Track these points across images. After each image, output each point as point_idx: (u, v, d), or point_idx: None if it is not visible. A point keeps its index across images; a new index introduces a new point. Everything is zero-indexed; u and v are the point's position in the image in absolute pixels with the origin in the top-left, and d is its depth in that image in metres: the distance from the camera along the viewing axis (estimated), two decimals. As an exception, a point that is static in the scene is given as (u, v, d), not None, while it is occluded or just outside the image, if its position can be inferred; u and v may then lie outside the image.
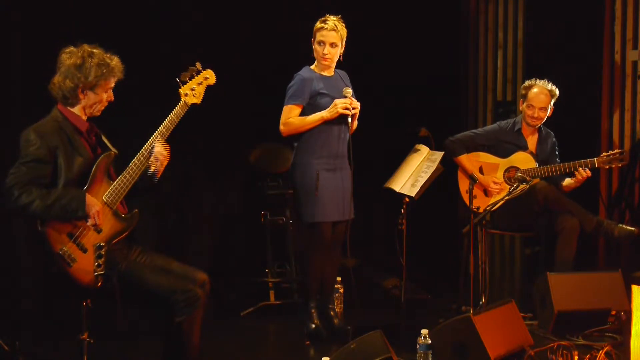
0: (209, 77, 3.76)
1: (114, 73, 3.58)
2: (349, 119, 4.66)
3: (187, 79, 3.72)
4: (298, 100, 4.69)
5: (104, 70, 3.54)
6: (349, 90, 4.70)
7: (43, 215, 3.40)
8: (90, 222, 3.47)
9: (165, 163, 3.68)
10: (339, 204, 4.75)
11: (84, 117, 3.63)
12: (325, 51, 4.69)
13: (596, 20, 6.30)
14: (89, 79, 3.52)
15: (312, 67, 4.79)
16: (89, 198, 3.46)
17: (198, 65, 3.76)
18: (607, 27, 6.29)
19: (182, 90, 3.70)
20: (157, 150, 3.62)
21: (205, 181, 6.45)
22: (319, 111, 4.69)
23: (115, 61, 3.59)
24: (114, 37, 3.77)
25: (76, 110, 3.61)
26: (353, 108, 4.67)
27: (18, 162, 3.46)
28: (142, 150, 3.62)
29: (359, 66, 6.55)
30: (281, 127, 4.74)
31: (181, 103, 3.69)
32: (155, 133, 3.65)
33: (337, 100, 4.65)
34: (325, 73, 4.77)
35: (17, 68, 5.40)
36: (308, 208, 4.70)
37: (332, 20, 4.69)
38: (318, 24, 4.69)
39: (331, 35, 4.67)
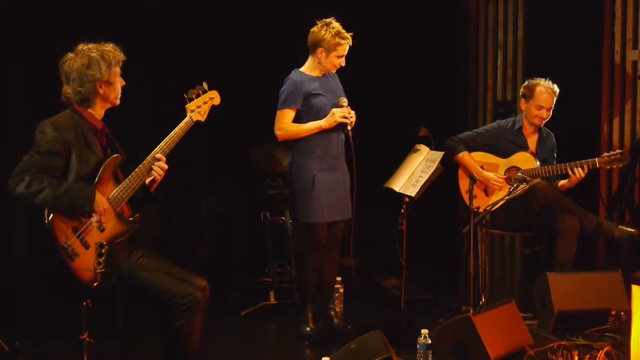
0: (214, 97, 3.88)
1: (117, 57, 3.65)
2: (348, 127, 4.68)
3: (193, 96, 3.82)
4: (292, 104, 4.69)
5: (110, 58, 3.61)
6: (344, 100, 4.74)
7: (50, 205, 3.40)
8: (94, 218, 3.49)
9: (159, 180, 3.73)
10: (336, 204, 4.76)
11: (99, 117, 3.68)
12: (343, 64, 4.75)
13: (596, 20, 6.30)
14: (102, 71, 3.58)
15: (303, 69, 4.79)
16: (98, 195, 3.50)
17: (205, 85, 3.86)
18: (607, 27, 6.29)
19: (189, 106, 3.80)
20: (159, 164, 3.68)
21: (206, 181, 6.46)
22: (313, 111, 4.70)
23: (110, 46, 3.66)
24: (114, 38, 3.78)
25: (92, 110, 3.65)
26: (350, 116, 4.68)
27: (32, 151, 3.48)
28: (148, 157, 3.67)
29: (359, 66, 6.57)
30: (277, 132, 4.73)
31: (187, 119, 3.77)
32: (161, 143, 3.70)
33: (334, 110, 4.67)
34: (316, 74, 4.77)
35: (17, 68, 5.41)
36: (304, 208, 4.70)
37: (348, 34, 4.69)
38: (338, 39, 4.64)
39: (348, 48, 4.72)
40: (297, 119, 4.72)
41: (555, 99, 5.39)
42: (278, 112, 4.73)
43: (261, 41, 6.27)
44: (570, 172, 5.15)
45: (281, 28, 6.26)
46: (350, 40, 4.71)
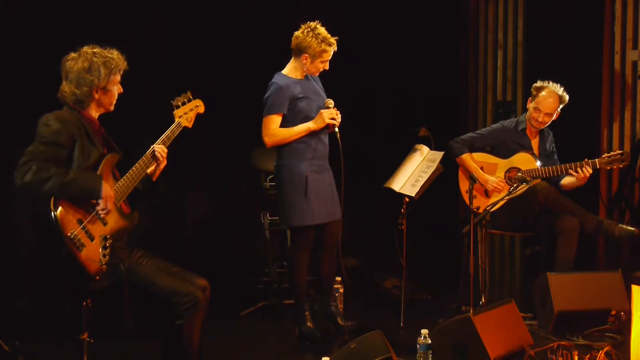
0: (199, 105, 3.99)
1: (119, 66, 3.67)
2: (336, 129, 4.66)
3: (180, 103, 3.92)
4: (279, 109, 4.66)
5: (112, 66, 3.63)
6: (331, 101, 4.73)
7: (58, 193, 3.40)
8: (101, 205, 3.50)
9: (162, 166, 3.79)
10: (328, 205, 4.75)
11: (95, 117, 3.69)
12: (326, 68, 4.73)
13: (596, 20, 6.30)
14: (101, 78, 3.59)
15: (285, 72, 4.76)
16: (104, 183, 3.52)
17: (189, 93, 3.96)
18: (607, 27, 6.29)
19: (177, 112, 3.89)
20: (158, 148, 3.73)
21: (206, 181, 6.46)
22: (299, 115, 4.68)
23: (116, 54, 3.68)
24: (111, 39, 3.78)
25: (86, 112, 3.65)
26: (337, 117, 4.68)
27: (36, 141, 3.48)
28: (143, 157, 3.70)
29: (359, 66, 6.58)
30: (265, 138, 4.69)
31: (176, 123, 3.86)
32: (154, 145, 3.74)
33: (323, 111, 4.66)
34: (299, 77, 4.76)
35: (17, 70, 5.42)
36: (296, 211, 4.69)
37: (333, 39, 4.68)
38: (324, 46, 4.62)
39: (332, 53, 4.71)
40: (283, 123, 4.69)
41: (560, 105, 5.34)
42: (265, 118, 4.69)
43: (262, 40, 6.26)
44: (575, 172, 5.14)
45: (281, 29, 6.26)
46: (336, 45, 4.68)
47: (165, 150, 3.77)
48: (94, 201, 3.51)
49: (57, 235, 3.40)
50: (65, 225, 3.42)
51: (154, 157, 3.72)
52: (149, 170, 3.76)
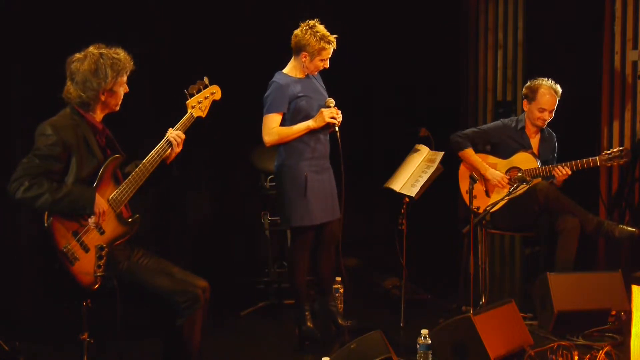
0: (215, 92, 3.86)
1: (126, 67, 3.62)
2: (336, 128, 4.65)
3: (194, 92, 3.79)
4: (279, 108, 4.65)
5: (119, 68, 3.57)
6: (331, 100, 4.72)
7: (50, 209, 3.40)
8: (92, 220, 3.48)
9: (177, 150, 3.71)
10: (327, 205, 4.75)
11: (99, 118, 3.65)
12: (326, 66, 4.72)
13: (596, 20, 6.30)
14: (108, 81, 3.54)
15: (286, 71, 4.76)
16: (97, 197, 3.49)
17: (206, 79, 3.84)
18: (607, 27, 6.28)
19: (189, 102, 3.78)
20: (174, 134, 3.66)
21: (206, 181, 6.45)
22: (300, 114, 4.68)
23: (122, 54, 3.62)
24: (113, 36, 3.77)
25: (91, 113, 3.62)
26: (338, 116, 4.67)
27: (31, 154, 3.46)
28: (147, 157, 3.65)
29: (359, 66, 6.58)
30: (266, 137, 4.68)
31: (188, 115, 3.75)
32: (162, 142, 3.69)
33: (323, 110, 4.65)
34: (299, 76, 4.76)
35: (17, 70, 5.42)
36: (296, 211, 4.68)
37: (332, 37, 4.67)
38: (323, 44, 4.61)
39: (332, 51, 4.70)
40: (283, 122, 4.69)
41: (558, 99, 5.37)
42: (265, 117, 4.68)
43: (262, 40, 6.26)
44: (556, 170, 5.15)
45: (281, 29, 6.25)
46: (335, 43, 4.67)
47: (182, 136, 3.68)
48: (87, 217, 3.49)
49: (50, 248, 3.40)
50: (59, 238, 3.42)
51: (168, 144, 3.63)
52: (165, 154, 3.67)
